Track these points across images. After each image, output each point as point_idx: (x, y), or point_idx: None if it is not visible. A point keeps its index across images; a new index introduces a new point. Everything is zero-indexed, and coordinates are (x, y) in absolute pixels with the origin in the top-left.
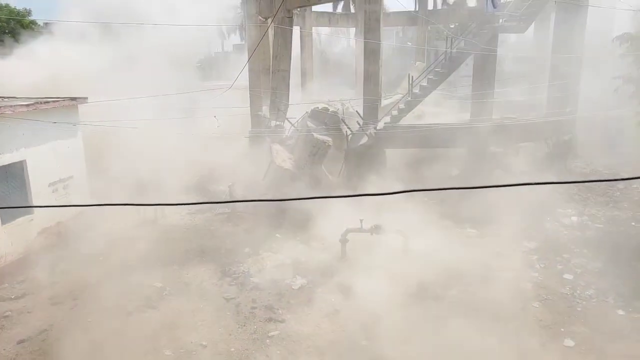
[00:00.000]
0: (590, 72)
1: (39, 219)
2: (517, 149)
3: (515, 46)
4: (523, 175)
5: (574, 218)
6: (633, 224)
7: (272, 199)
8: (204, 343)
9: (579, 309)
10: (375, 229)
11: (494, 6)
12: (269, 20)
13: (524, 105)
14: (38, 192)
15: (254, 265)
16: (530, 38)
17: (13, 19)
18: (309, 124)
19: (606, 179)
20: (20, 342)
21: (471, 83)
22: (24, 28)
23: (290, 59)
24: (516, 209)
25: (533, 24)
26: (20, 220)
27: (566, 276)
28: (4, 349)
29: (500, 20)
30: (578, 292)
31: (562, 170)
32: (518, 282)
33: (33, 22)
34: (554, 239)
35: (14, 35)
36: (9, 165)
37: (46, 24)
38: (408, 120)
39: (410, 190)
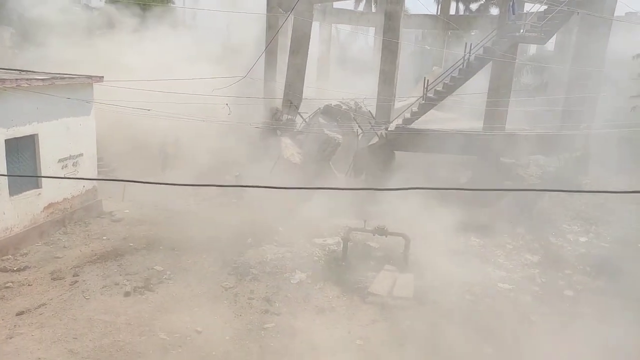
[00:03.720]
0: (608, 89)
1: (46, 194)
2: (528, 161)
3: (534, 57)
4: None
5: (579, 235)
6: None
7: (277, 186)
8: (199, 329)
9: (577, 326)
10: (378, 230)
11: (513, 12)
12: (289, 13)
13: (537, 117)
14: (47, 167)
15: (255, 256)
16: (549, 50)
17: None
18: (321, 120)
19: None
20: (19, 313)
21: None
22: None
23: (307, 53)
24: (521, 222)
25: (554, 36)
26: (28, 193)
27: (567, 292)
28: (3, 319)
29: (522, 30)
30: (578, 309)
31: (571, 186)
32: (517, 294)
33: None
34: (557, 254)
35: None
36: (21, 138)
37: None
38: (420, 124)
39: (412, 188)
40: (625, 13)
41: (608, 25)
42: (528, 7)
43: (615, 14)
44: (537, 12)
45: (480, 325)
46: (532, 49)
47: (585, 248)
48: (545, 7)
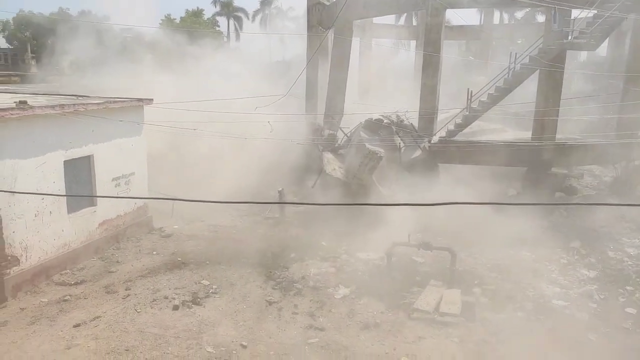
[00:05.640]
0: None
1: (101, 211)
2: (582, 172)
3: (585, 64)
4: (587, 200)
5: None
6: None
7: (320, 203)
8: (244, 343)
9: None
10: (423, 245)
11: (555, 21)
12: (329, 30)
13: (591, 126)
14: (102, 186)
15: (299, 271)
16: (602, 55)
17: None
18: (362, 134)
19: None
20: (76, 325)
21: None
22: None
23: (348, 69)
24: (576, 235)
25: (606, 41)
26: (84, 211)
27: (629, 310)
28: (62, 331)
29: (570, 37)
30: None
31: (630, 197)
32: (573, 311)
33: None
34: (616, 270)
35: None
36: (78, 159)
37: None
38: (465, 135)
39: (455, 202)
40: None
41: None
42: (576, 12)
43: None
44: (585, 17)
45: (533, 344)
46: (583, 55)
47: None
48: (595, 11)
